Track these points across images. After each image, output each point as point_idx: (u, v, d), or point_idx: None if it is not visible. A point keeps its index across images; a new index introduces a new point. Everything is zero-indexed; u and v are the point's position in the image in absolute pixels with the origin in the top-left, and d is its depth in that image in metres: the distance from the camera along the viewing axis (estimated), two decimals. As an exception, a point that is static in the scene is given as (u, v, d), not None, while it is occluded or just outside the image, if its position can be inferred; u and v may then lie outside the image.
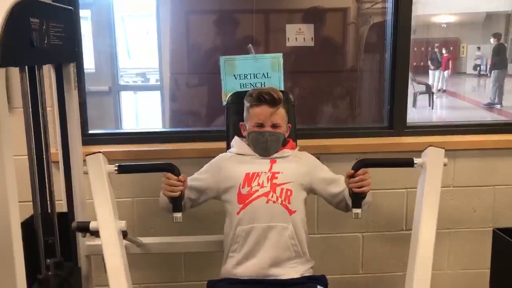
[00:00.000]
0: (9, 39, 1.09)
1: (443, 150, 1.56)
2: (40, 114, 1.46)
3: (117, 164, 1.53)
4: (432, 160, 1.55)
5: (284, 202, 1.55)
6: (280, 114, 1.64)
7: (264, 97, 1.61)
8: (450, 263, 2.30)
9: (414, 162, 1.56)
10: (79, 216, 1.68)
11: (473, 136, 2.25)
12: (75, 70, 1.63)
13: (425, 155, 1.58)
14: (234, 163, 1.66)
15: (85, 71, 2.17)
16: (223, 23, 2.43)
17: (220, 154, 1.75)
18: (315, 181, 1.66)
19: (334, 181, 1.66)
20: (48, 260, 1.45)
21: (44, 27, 1.31)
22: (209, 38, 2.45)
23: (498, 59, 4.45)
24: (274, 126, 1.63)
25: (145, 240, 1.85)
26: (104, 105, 2.78)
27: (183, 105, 2.60)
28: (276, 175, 1.59)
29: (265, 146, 1.63)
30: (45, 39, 1.33)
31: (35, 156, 1.36)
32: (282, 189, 1.56)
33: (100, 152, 1.52)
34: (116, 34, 2.72)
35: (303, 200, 1.63)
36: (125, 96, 3.41)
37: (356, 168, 1.48)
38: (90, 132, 2.16)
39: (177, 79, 2.58)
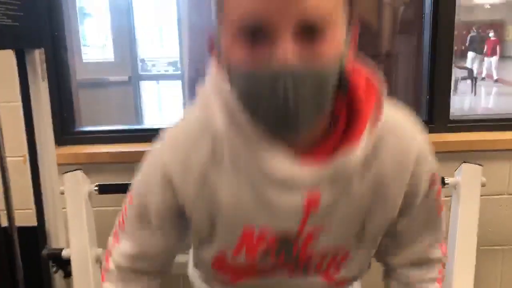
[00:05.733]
0: None
1: (481, 168, 1.40)
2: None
3: (96, 184, 1.43)
4: (467, 180, 1.38)
5: None
6: None
7: None
8: (503, 285, 1.94)
9: (446, 182, 1.39)
10: (52, 230, 1.45)
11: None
12: (43, 58, 1.37)
13: (458, 173, 1.42)
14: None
15: (104, 60, 2.00)
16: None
17: None
18: None
19: None
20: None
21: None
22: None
23: None
24: (309, 29, 0.58)
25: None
26: (123, 96, 2.63)
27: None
28: None
29: (284, 114, 0.61)
30: (-13, 18, 1.07)
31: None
32: None
33: (78, 170, 1.40)
34: (134, 21, 2.56)
35: None
36: (146, 86, 3.25)
37: None
38: (79, 129, 1.89)
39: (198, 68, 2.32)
